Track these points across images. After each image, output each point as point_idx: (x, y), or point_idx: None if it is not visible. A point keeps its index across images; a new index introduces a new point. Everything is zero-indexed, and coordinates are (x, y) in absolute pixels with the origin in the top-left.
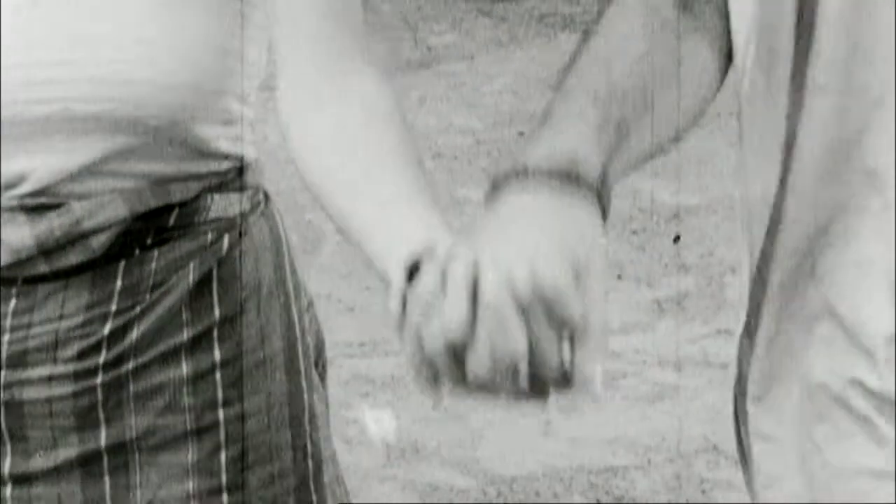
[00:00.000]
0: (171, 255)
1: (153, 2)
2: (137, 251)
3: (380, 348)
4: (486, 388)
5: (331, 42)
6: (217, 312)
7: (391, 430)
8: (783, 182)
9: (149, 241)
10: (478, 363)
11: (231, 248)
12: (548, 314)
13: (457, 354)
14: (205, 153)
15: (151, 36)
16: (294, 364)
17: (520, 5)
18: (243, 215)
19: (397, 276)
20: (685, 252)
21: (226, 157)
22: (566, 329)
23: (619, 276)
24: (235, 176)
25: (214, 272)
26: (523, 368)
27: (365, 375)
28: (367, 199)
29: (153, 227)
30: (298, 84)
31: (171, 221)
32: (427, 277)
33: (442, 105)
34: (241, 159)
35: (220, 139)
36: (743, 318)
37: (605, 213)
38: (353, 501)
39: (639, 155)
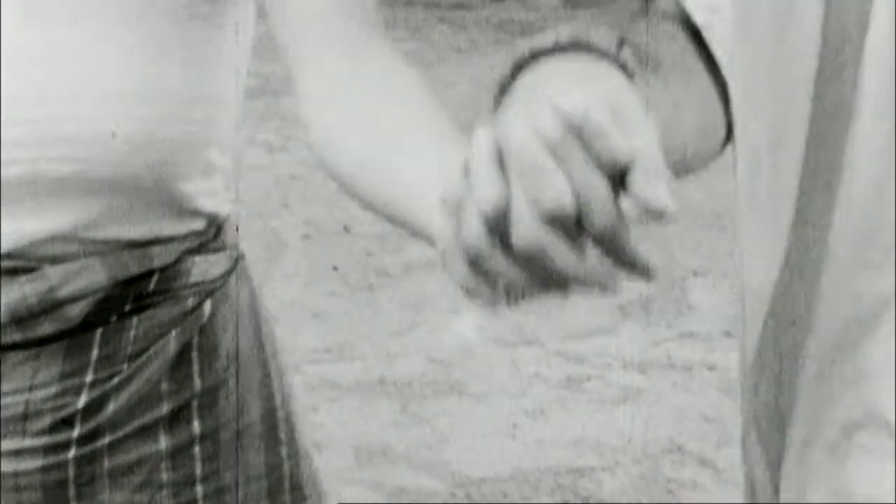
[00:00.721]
0: (150, 322)
1: (127, 51)
2: (115, 318)
3: (345, 353)
4: (541, 262)
5: (347, 28)
6: (197, 383)
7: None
8: (814, 267)
9: (127, 308)
10: (523, 230)
11: (212, 314)
12: (588, 152)
13: (500, 234)
14: (184, 212)
15: (127, 88)
16: (273, 433)
17: (478, 13)
18: (224, 278)
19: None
20: (648, 257)
21: (205, 214)
22: (613, 166)
23: None
24: (214, 235)
25: (195, 341)
26: (571, 222)
27: (331, 381)
28: (405, 172)
29: (132, 293)
30: (319, 78)
31: (151, 287)
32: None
33: None
34: (218, 216)
35: (201, 195)
36: (739, 391)
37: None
38: None
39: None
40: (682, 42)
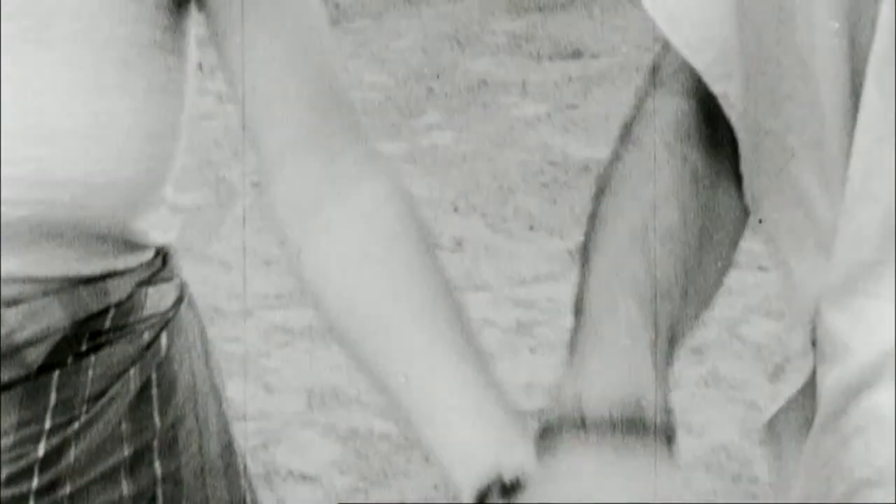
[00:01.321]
0: (108, 360)
1: (79, 88)
2: (71, 359)
3: (296, 299)
4: None
5: (326, 138)
6: (157, 422)
7: None
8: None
9: (84, 347)
10: None
11: (169, 347)
12: None
13: None
14: (137, 246)
15: (79, 127)
16: (232, 464)
17: None
18: (175, 307)
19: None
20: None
21: (154, 245)
22: None
23: (531, 228)
24: (162, 264)
25: (153, 377)
26: None
27: (282, 326)
28: (406, 363)
29: (88, 331)
30: (295, 194)
31: (108, 323)
32: None
33: (352, 62)
34: (166, 245)
35: (152, 229)
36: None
37: (671, 442)
38: (274, 447)
39: (682, 336)
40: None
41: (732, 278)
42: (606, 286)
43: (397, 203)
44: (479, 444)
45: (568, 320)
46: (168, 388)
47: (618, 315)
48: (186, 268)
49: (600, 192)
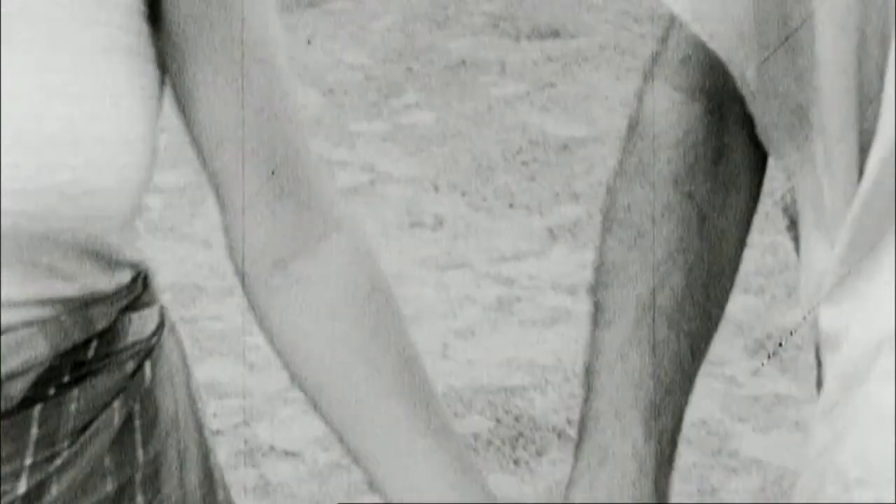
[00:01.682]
0: (92, 392)
1: (51, 93)
2: (53, 391)
3: None
4: None
5: (293, 188)
6: (140, 456)
7: None
8: None
9: (66, 379)
10: None
11: (153, 377)
12: None
13: None
14: (113, 264)
15: (53, 134)
16: (211, 492)
17: None
18: (157, 334)
19: None
20: (575, 182)
21: (131, 264)
22: None
23: (511, 206)
24: (142, 288)
25: (137, 409)
26: None
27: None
28: (383, 439)
29: (71, 362)
30: (263, 246)
31: (91, 353)
32: None
33: (331, 43)
34: (140, 263)
35: (126, 245)
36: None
37: None
38: (258, 423)
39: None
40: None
41: None
42: (609, 402)
43: (366, 255)
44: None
45: (547, 297)
46: (151, 420)
47: (622, 429)
48: (168, 246)
49: (603, 243)
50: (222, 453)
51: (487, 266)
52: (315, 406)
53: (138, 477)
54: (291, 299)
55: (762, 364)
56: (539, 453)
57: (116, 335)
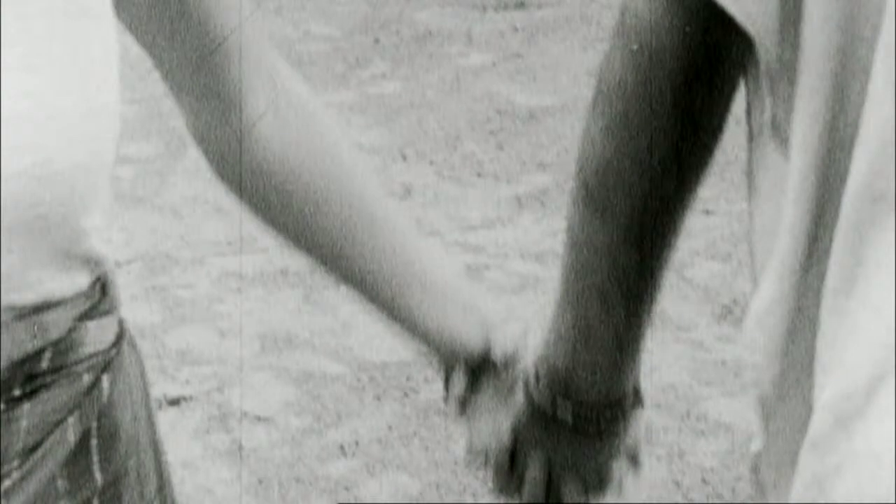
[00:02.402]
0: (45, 407)
1: (15, 62)
2: (3, 406)
3: (248, 246)
4: None
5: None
6: (99, 478)
7: None
8: None
9: (17, 393)
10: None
11: (111, 392)
12: None
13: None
14: (74, 258)
15: (21, 111)
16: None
17: None
18: (116, 345)
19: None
20: (542, 151)
21: (93, 262)
22: None
23: (479, 174)
24: (101, 294)
25: (94, 426)
26: None
27: (235, 272)
28: (393, 234)
29: (21, 374)
30: (253, 54)
31: (45, 364)
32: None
33: (298, 14)
34: (102, 261)
35: (92, 232)
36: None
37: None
38: (231, 389)
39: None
40: None
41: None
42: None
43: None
44: (484, 310)
45: (516, 263)
46: (109, 439)
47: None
48: (138, 216)
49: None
50: (195, 419)
51: (456, 234)
52: (307, 234)
53: (96, 501)
54: (285, 101)
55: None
56: None
57: (72, 345)
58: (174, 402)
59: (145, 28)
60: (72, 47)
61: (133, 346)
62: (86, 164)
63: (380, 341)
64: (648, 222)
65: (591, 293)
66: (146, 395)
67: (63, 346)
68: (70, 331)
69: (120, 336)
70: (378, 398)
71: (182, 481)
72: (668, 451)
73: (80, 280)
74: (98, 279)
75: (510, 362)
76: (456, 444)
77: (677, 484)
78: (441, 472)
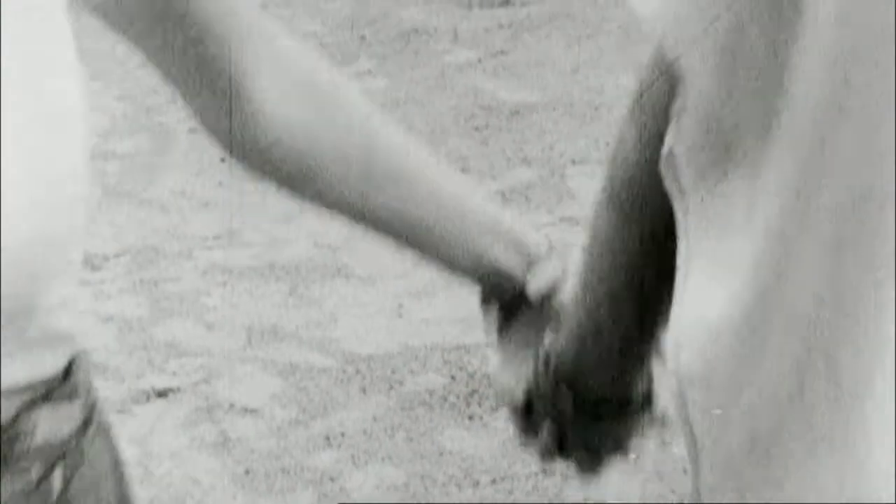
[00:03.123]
0: None
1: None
2: None
3: (234, 240)
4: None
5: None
6: None
7: None
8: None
9: None
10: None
11: (65, 486)
12: None
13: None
14: (30, 339)
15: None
16: None
17: None
18: (77, 435)
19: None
20: (527, 146)
21: (53, 342)
22: None
23: (464, 170)
24: (63, 377)
25: None
26: None
27: (222, 265)
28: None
29: None
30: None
31: None
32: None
33: (285, 11)
34: (68, 345)
35: (55, 310)
36: None
37: None
38: (218, 381)
39: None
40: None
41: None
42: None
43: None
44: (525, 242)
45: None
46: None
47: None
48: (126, 211)
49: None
50: (183, 410)
51: None
52: (338, 199)
53: None
54: (284, 81)
55: None
56: (493, 409)
57: (19, 435)
58: (162, 394)
59: (135, 30)
60: (22, 100)
61: (105, 430)
62: (44, 237)
63: (365, 334)
64: (670, 236)
65: (603, 295)
66: (121, 485)
67: (8, 436)
68: (17, 418)
69: (86, 422)
70: (363, 390)
71: (169, 472)
72: (651, 442)
73: (35, 364)
74: (69, 360)
75: (545, 301)
76: (441, 435)
77: (660, 475)
78: (426, 463)
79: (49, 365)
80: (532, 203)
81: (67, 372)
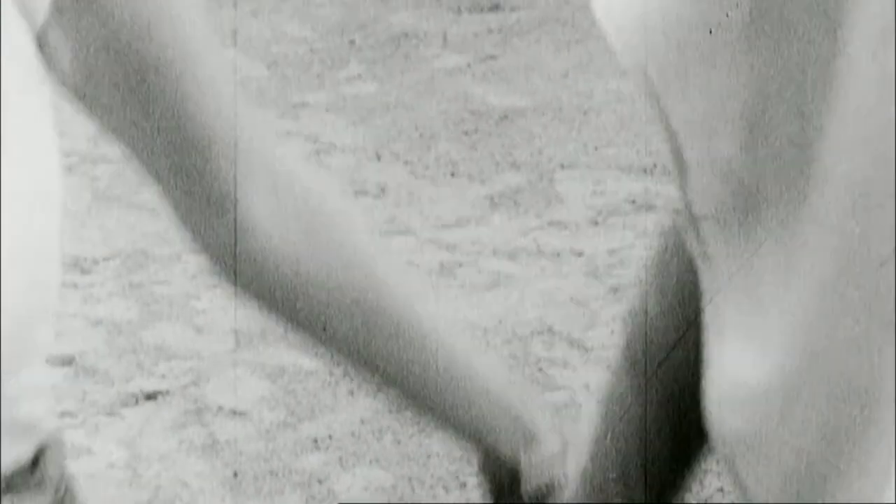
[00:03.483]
0: None
1: None
2: None
3: None
4: None
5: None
6: None
7: None
8: None
9: None
10: None
11: None
12: None
13: None
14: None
15: None
16: None
17: None
18: None
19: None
20: (516, 151)
21: (18, 430)
22: None
23: (453, 174)
24: (29, 464)
25: None
26: None
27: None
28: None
29: None
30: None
31: None
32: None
33: (275, 16)
34: (34, 434)
35: (28, 394)
36: None
37: None
38: (206, 384)
39: None
40: None
41: (650, 221)
42: None
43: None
44: (526, 418)
45: (489, 262)
46: None
47: None
48: (116, 215)
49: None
50: (171, 413)
51: (430, 232)
52: (323, 334)
53: None
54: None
55: None
56: None
57: None
58: (150, 397)
59: (114, 119)
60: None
61: None
62: (29, 303)
63: None
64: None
65: (613, 480)
66: None
67: None
68: None
69: None
70: (351, 393)
71: (158, 475)
72: None
73: (4, 445)
74: (29, 450)
75: (541, 498)
76: (428, 437)
77: None
78: (413, 465)
79: (12, 456)
80: (521, 207)
81: (35, 461)
